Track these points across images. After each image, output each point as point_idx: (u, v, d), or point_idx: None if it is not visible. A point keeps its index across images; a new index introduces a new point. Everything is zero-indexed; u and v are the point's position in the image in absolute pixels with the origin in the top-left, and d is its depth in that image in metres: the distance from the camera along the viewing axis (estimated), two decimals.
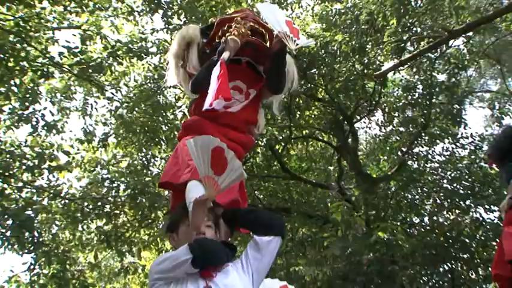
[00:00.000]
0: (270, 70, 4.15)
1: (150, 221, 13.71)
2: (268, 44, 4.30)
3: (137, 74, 13.69)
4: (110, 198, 12.95)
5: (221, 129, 4.00)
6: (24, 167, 11.55)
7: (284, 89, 4.31)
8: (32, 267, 11.97)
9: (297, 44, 3.96)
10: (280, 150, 14.93)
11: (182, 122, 11.48)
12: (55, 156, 12.13)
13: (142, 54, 12.38)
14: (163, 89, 13.00)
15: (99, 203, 12.86)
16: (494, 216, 13.48)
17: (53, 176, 12.27)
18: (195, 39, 4.28)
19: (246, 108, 4.14)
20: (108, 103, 13.25)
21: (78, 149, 13.48)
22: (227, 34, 4.04)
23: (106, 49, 12.16)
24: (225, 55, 3.88)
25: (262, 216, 3.69)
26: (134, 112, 12.57)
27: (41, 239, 11.94)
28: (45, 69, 11.32)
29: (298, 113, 14.01)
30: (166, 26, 12.05)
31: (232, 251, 3.54)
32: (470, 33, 14.76)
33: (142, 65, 13.29)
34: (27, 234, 11.35)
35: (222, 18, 4.39)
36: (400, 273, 12.49)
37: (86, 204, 12.66)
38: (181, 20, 11.86)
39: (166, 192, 13.18)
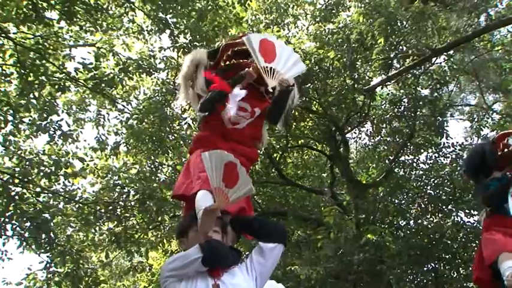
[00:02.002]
0: (273, 105, 4.24)
1: (157, 223, 13.68)
2: None
3: (146, 88, 13.70)
4: (120, 203, 12.94)
5: (229, 144, 4.05)
6: (41, 174, 11.54)
7: (281, 120, 4.39)
8: (47, 266, 11.94)
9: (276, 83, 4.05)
10: (277, 158, 14.93)
11: (193, 135, 11.54)
12: (70, 164, 12.12)
13: (151, 70, 12.39)
14: (170, 102, 13.00)
15: (111, 207, 12.85)
16: (474, 220, 13.53)
17: (68, 182, 12.26)
18: (202, 62, 4.33)
19: (252, 125, 4.20)
20: (119, 114, 13.25)
21: (91, 157, 13.46)
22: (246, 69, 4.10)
23: (118, 65, 12.16)
24: (236, 90, 3.96)
25: (267, 225, 3.79)
26: (143, 123, 12.57)
27: (56, 240, 11.96)
28: (62, 84, 11.29)
29: (294, 124, 14.01)
30: (173, 44, 12.06)
31: (238, 255, 3.60)
32: (451, 52, 14.84)
33: (151, 79, 13.29)
34: (43, 235, 11.35)
35: (226, 43, 4.46)
36: (388, 272, 12.49)
37: (98, 208, 12.63)
38: (186, 39, 11.88)
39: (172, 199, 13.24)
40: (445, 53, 14.54)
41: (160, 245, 14.25)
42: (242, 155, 4.06)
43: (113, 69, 12.25)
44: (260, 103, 4.25)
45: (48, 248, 11.67)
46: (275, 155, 14.79)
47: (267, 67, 4.04)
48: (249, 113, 4.16)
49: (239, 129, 4.15)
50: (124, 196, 12.97)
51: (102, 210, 12.71)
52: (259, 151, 4.48)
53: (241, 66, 4.22)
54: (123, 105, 13.13)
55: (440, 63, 15.46)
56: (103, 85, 11.74)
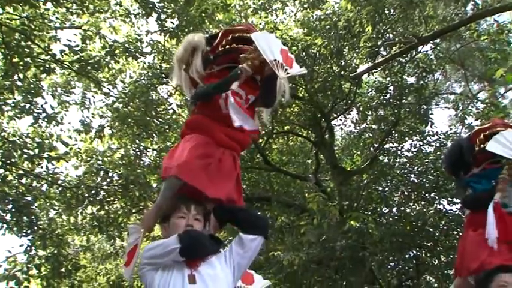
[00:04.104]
0: (261, 91, 4.22)
1: (140, 208, 13.72)
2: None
3: (132, 72, 13.67)
4: (103, 187, 12.95)
5: (223, 129, 4.03)
6: (25, 156, 11.48)
7: (275, 102, 4.40)
8: (28, 248, 11.94)
9: (288, 73, 4.00)
10: (262, 144, 14.98)
11: (178, 120, 11.51)
12: (54, 146, 12.11)
13: (138, 54, 12.40)
14: (156, 86, 13.03)
15: (93, 191, 12.84)
16: (456, 208, 13.66)
17: (52, 165, 12.18)
18: (200, 46, 4.28)
19: (246, 111, 4.11)
20: (105, 97, 13.25)
21: (75, 140, 13.42)
22: (244, 63, 4.03)
23: (104, 48, 12.17)
24: (234, 86, 3.98)
25: (250, 216, 3.80)
26: (129, 107, 12.58)
27: (38, 223, 11.95)
28: (47, 66, 11.28)
29: (280, 110, 14.07)
30: (160, 28, 12.05)
31: (218, 244, 3.62)
32: (438, 40, 14.99)
33: (138, 63, 13.29)
34: (25, 218, 11.32)
35: (226, 29, 4.45)
36: (370, 259, 12.67)
37: (80, 191, 12.64)
38: (174, 23, 11.90)
39: (155, 184, 13.30)
40: (431, 42, 14.68)
41: None
42: (235, 140, 4.08)
43: (99, 52, 12.26)
44: (254, 90, 4.24)
45: (29, 231, 11.62)
46: (260, 140, 14.83)
47: (275, 60, 4.07)
48: (244, 100, 4.15)
49: None
50: (107, 180, 12.98)
51: (85, 194, 12.71)
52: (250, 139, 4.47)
53: (241, 50, 4.17)
54: (109, 89, 13.13)
55: (427, 51, 15.61)
56: (89, 68, 11.69)
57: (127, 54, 12.12)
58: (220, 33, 4.35)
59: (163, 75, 12.77)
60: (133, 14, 12.92)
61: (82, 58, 11.64)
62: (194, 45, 4.29)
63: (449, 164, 5.45)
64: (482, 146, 4.85)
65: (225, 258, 3.52)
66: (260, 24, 13.97)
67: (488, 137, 4.81)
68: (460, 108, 17.21)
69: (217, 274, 3.39)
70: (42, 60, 11.31)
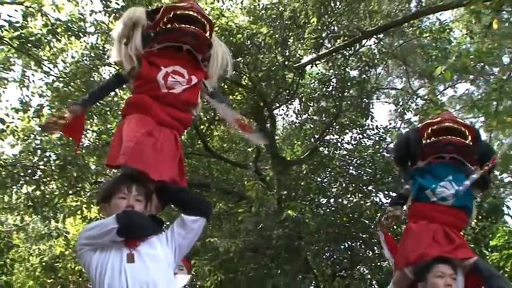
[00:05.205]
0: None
1: (78, 189, 13.58)
2: (208, 34, 4.34)
3: (74, 52, 13.46)
4: (40, 167, 12.78)
5: (164, 108, 4.06)
6: None
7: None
8: None
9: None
10: (204, 130, 14.99)
11: (119, 102, 11.37)
12: None
13: (80, 34, 12.23)
14: (98, 67, 12.88)
15: (30, 171, 12.68)
16: (390, 203, 13.89)
17: None
18: (140, 21, 4.24)
19: (188, 91, 4.17)
20: (45, 76, 13.05)
21: (13, 118, 13.21)
22: None
23: (46, 26, 11.95)
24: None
25: (192, 197, 3.83)
26: (69, 87, 12.41)
27: None
28: None
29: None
30: (105, 8, 11.91)
31: (159, 225, 3.64)
32: (381, 35, 15.26)
33: (80, 43, 13.09)
34: None
35: (168, 6, 4.38)
36: (306, 248, 12.86)
37: (16, 170, 12.46)
38: (119, 4, 11.77)
39: (93, 166, 13.20)
40: (375, 36, 14.97)
41: (79, 212, 14.14)
42: (176, 119, 4.11)
43: (41, 30, 12.05)
44: (197, 71, 4.27)
45: None
46: (202, 126, 14.84)
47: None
48: (186, 80, 4.16)
49: (174, 94, 4.12)
50: (44, 160, 12.81)
51: (21, 173, 12.52)
52: (193, 117, 4.46)
53: (181, 31, 4.19)
54: (50, 68, 12.94)
55: (370, 45, 15.89)
56: (29, 45, 11.53)
57: (69, 33, 11.94)
58: (162, 9, 4.29)
59: (106, 57, 12.64)
60: None
61: (23, 35, 11.42)
62: (135, 20, 4.24)
63: (396, 155, 5.51)
64: (429, 140, 4.92)
65: (166, 238, 3.51)
66: (206, 10, 13.94)
67: (435, 131, 4.88)
68: (400, 103, 17.57)
69: (157, 254, 3.39)
70: None
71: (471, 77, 18.90)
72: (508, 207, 13.86)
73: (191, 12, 4.20)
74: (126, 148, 3.74)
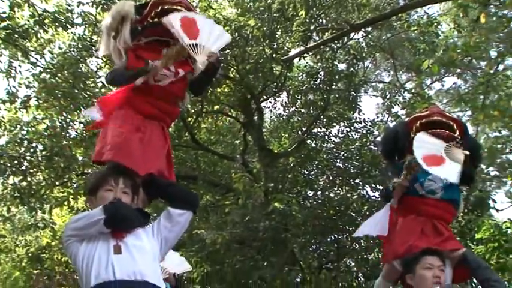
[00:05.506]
0: (198, 79, 4.26)
1: (64, 180, 13.56)
2: None
3: (62, 43, 13.40)
4: (27, 157, 12.75)
5: (151, 100, 4.05)
6: None
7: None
8: None
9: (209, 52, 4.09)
10: (191, 123, 14.99)
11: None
12: None
13: (68, 25, 12.20)
14: (86, 59, 12.84)
15: (16, 161, 12.65)
16: (380, 194, 13.98)
17: None
18: (129, 15, 4.19)
19: (175, 84, 4.15)
20: (32, 67, 12.97)
21: None
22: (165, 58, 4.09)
23: (33, 17, 11.90)
24: (139, 81, 3.99)
25: (179, 191, 3.81)
26: (56, 78, 12.37)
27: None
28: None
29: (210, 89, 14.07)
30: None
31: (146, 217, 3.61)
32: (369, 28, 15.31)
33: (68, 34, 13.04)
34: None
35: (156, 0, 4.31)
36: (292, 241, 12.94)
37: (3, 161, 12.42)
38: None
39: (80, 158, 13.17)
40: (363, 29, 15.01)
41: (66, 203, 14.12)
42: (163, 111, 4.10)
43: (28, 21, 11.99)
44: (184, 65, 4.22)
45: None
46: (189, 119, 14.84)
47: (192, 44, 4.09)
48: (173, 73, 4.11)
49: (161, 86, 4.08)
50: (31, 151, 12.78)
51: (8, 164, 12.49)
52: (180, 110, 4.44)
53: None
54: (37, 59, 12.87)
55: (358, 39, 15.96)
56: (16, 36, 11.48)
57: (57, 24, 11.90)
58: (150, 3, 4.27)
59: (93, 48, 12.60)
60: None
61: (10, 26, 11.38)
62: (124, 14, 4.21)
63: (384, 148, 5.50)
64: (417, 133, 4.92)
65: (153, 231, 3.51)
66: (194, 2, 13.92)
67: (424, 124, 4.88)
68: (388, 97, 17.66)
69: (143, 246, 3.37)
70: None
71: (458, 70, 19.08)
72: (493, 200, 14.05)
73: (179, 7, 4.19)
74: (113, 143, 3.74)
